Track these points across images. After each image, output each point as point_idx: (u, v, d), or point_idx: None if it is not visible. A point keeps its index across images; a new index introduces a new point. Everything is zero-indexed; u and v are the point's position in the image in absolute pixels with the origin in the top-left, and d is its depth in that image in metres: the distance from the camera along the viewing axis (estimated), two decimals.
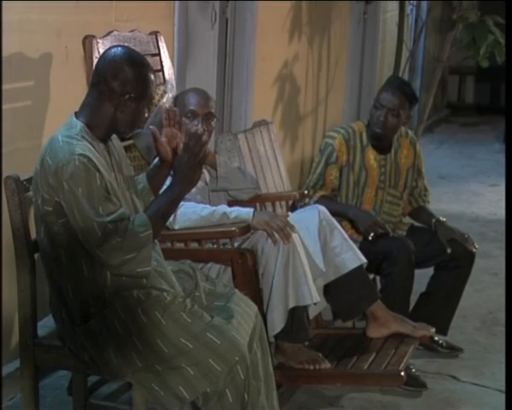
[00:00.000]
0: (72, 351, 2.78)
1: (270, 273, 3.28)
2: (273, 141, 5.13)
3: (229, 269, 3.33)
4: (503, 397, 3.33)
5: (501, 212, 6.16)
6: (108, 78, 2.68)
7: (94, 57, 3.41)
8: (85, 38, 3.47)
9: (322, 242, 3.51)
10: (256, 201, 3.86)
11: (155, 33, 3.87)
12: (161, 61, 3.86)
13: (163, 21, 4.48)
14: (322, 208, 3.59)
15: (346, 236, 3.61)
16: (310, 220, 3.52)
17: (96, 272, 2.68)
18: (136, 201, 2.85)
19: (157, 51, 3.85)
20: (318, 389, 3.75)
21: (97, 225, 2.57)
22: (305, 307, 3.38)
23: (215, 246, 3.39)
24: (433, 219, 4.25)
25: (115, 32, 3.61)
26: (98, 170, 2.60)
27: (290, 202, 4.18)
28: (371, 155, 4.19)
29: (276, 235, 3.26)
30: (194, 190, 2.85)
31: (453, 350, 4.27)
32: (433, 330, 3.70)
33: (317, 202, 4.04)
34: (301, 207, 4.01)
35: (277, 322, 3.29)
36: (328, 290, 3.59)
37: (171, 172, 2.82)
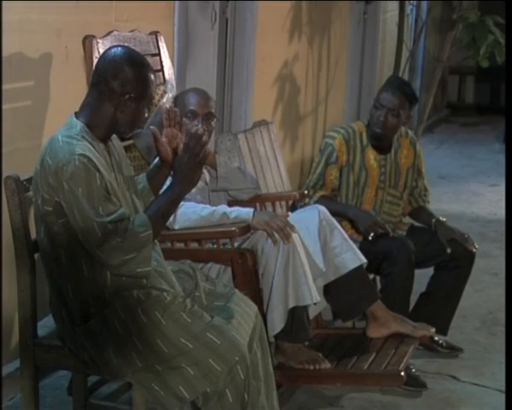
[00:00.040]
0: (72, 351, 2.78)
1: (270, 273, 3.28)
2: (273, 141, 5.13)
3: (229, 269, 3.33)
4: (503, 397, 3.33)
5: (501, 212, 6.16)
6: (108, 78, 2.68)
7: (94, 57, 3.41)
8: (85, 38, 3.47)
9: (322, 242, 3.51)
10: (256, 201, 3.86)
11: (155, 33, 3.87)
12: (161, 61, 3.86)
13: (163, 21, 4.48)
14: (322, 208, 3.59)
15: (346, 236, 3.61)
16: (310, 220, 3.52)
17: (96, 272, 2.68)
18: (136, 201, 2.85)
19: (157, 51, 3.85)
20: (318, 389, 3.75)
21: (97, 226, 2.57)
22: (305, 307, 3.38)
23: (215, 246, 3.39)
24: (433, 219, 4.25)
25: (115, 32, 3.61)
26: (98, 170, 2.60)
27: (290, 202, 4.18)
28: (371, 155, 4.19)
29: (276, 235, 3.26)
30: (194, 190, 2.85)
31: (453, 350, 4.27)
32: (433, 330, 3.70)
33: (317, 201, 4.04)
34: (301, 207, 4.01)
35: (277, 322, 3.29)
36: (328, 290, 3.59)
37: (172, 173, 2.82)
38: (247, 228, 3.30)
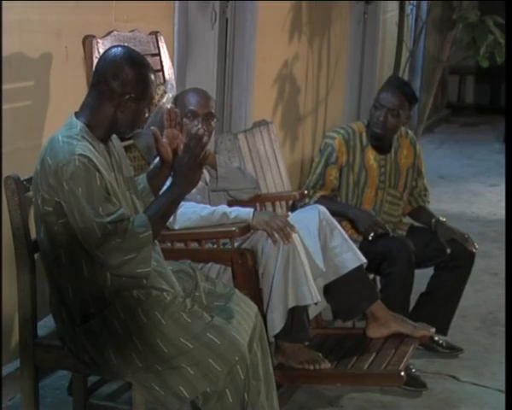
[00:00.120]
0: (72, 351, 2.78)
1: (270, 273, 3.28)
2: (273, 141, 5.14)
3: (229, 269, 3.33)
4: (503, 397, 3.33)
5: (501, 212, 6.17)
6: (109, 78, 2.68)
7: (94, 57, 3.41)
8: (85, 38, 3.47)
9: (322, 242, 3.51)
10: (256, 201, 3.86)
11: (155, 33, 3.87)
12: (161, 61, 3.86)
13: (163, 21, 4.48)
14: (323, 208, 3.59)
15: (346, 236, 3.61)
16: (310, 220, 3.52)
17: (95, 272, 2.68)
18: (137, 201, 2.85)
19: (157, 51, 3.85)
20: (318, 389, 3.75)
21: (97, 226, 2.57)
22: (305, 307, 3.38)
23: (215, 246, 3.39)
24: (432, 219, 4.25)
25: (115, 32, 3.61)
26: (98, 170, 2.60)
27: (290, 202, 4.18)
28: (371, 155, 4.19)
29: (276, 235, 3.26)
30: (194, 190, 2.85)
31: (453, 350, 4.27)
32: (433, 330, 3.70)
33: (317, 202, 4.04)
34: (301, 207, 4.01)
35: (277, 322, 3.29)
36: (328, 290, 3.59)
37: (172, 173, 2.82)
38: (247, 228, 3.30)
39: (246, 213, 3.34)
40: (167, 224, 3.04)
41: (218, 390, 2.68)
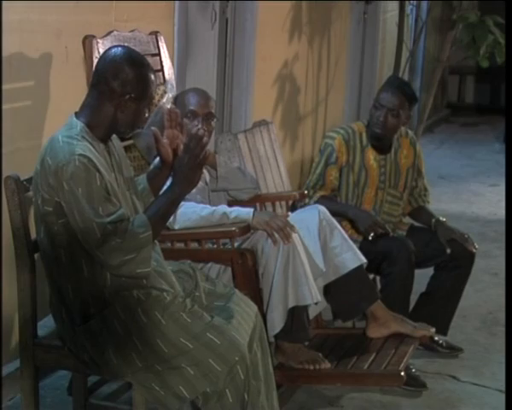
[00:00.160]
0: (72, 351, 2.78)
1: (270, 273, 3.28)
2: (273, 141, 5.13)
3: (229, 269, 3.33)
4: (503, 397, 3.33)
5: (501, 212, 6.16)
6: (109, 78, 2.68)
7: (94, 57, 3.41)
8: (85, 38, 3.47)
9: (322, 242, 3.51)
10: (256, 201, 3.86)
11: (155, 33, 3.87)
12: (161, 61, 3.86)
13: (163, 21, 4.48)
14: (323, 208, 3.59)
15: (346, 236, 3.61)
16: (310, 220, 3.52)
17: (95, 272, 2.68)
18: (137, 201, 2.85)
19: (157, 51, 3.85)
20: (318, 389, 3.75)
21: (97, 226, 2.57)
22: (305, 307, 3.38)
23: (215, 246, 3.39)
24: (432, 219, 4.25)
25: (115, 32, 3.61)
26: (98, 170, 2.60)
27: (290, 202, 4.18)
28: (371, 155, 4.19)
29: (276, 235, 3.26)
30: (194, 190, 2.85)
31: (453, 350, 4.27)
32: (433, 330, 3.69)
33: (317, 202, 4.04)
34: (301, 207, 4.01)
35: (277, 322, 3.29)
36: (328, 290, 3.59)
37: (172, 173, 2.82)
38: (247, 228, 3.30)
39: (246, 213, 3.34)
40: (167, 224, 3.04)
41: (218, 390, 2.68)
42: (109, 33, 3.58)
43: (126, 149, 3.36)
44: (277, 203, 4.07)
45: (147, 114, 2.81)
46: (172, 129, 2.93)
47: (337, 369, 3.38)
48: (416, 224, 4.39)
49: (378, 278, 4.15)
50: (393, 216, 4.28)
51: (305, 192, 4.14)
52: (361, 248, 3.67)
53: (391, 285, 3.87)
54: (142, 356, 2.66)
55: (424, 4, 9.05)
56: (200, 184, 3.43)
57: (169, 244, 3.36)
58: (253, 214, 3.33)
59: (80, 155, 2.57)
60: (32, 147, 3.42)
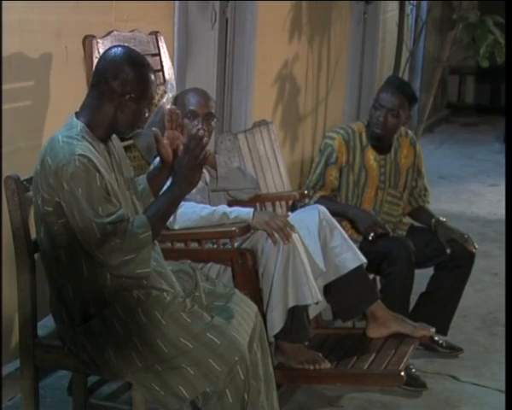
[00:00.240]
0: (72, 351, 2.78)
1: (270, 273, 3.28)
2: (273, 141, 5.13)
3: (229, 269, 3.33)
4: (503, 397, 3.33)
5: (501, 212, 6.17)
6: (109, 78, 2.68)
7: (94, 57, 3.41)
8: (85, 38, 3.47)
9: (322, 242, 3.51)
10: (256, 201, 3.86)
11: (155, 33, 3.87)
12: (161, 61, 3.86)
13: (163, 21, 4.48)
14: (323, 208, 3.59)
15: (346, 236, 3.61)
16: (310, 220, 3.52)
17: (95, 272, 2.68)
18: (136, 202, 2.85)
19: (157, 51, 3.85)
20: (318, 389, 3.75)
21: (96, 226, 2.57)
22: (305, 307, 3.38)
23: (215, 246, 3.39)
24: (432, 219, 4.25)
25: (115, 32, 3.61)
26: (98, 170, 2.60)
27: (290, 202, 4.18)
28: (371, 155, 4.19)
29: (276, 235, 3.26)
30: (194, 190, 2.85)
31: (453, 350, 4.27)
32: (433, 330, 3.69)
33: (316, 202, 4.04)
34: (301, 207, 4.01)
35: (277, 322, 3.29)
36: (328, 290, 3.59)
37: (172, 173, 2.82)
38: (247, 228, 3.30)
39: (246, 213, 3.34)
40: (167, 224, 3.04)
41: (218, 390, 2.68)
42: (109, 33, 3.58)
43: (126, 149, 3.36)
44: (277, 203, 4.07)
45: (147, 114, 2.81)
46: (173, 130, 2.93)
47: (337, 369, 3.38)
48: (416, 224, 4.39)
49: (378, 278, 4.15)
50: (393, 216, 4.29)
51: (305, 192, 4.14)
52: (361, 248, 3.67)
53: (391, 285, 3.87)
54: (142, 356, 2.66)
55: (424, 4, 9.05)
56: (200, 184, 3.43)
57: (169, 244, 3.36)
58: (253, 214, 3.33)
59: (80, 155, 2.57)
60: (32, 147, 3.42)
